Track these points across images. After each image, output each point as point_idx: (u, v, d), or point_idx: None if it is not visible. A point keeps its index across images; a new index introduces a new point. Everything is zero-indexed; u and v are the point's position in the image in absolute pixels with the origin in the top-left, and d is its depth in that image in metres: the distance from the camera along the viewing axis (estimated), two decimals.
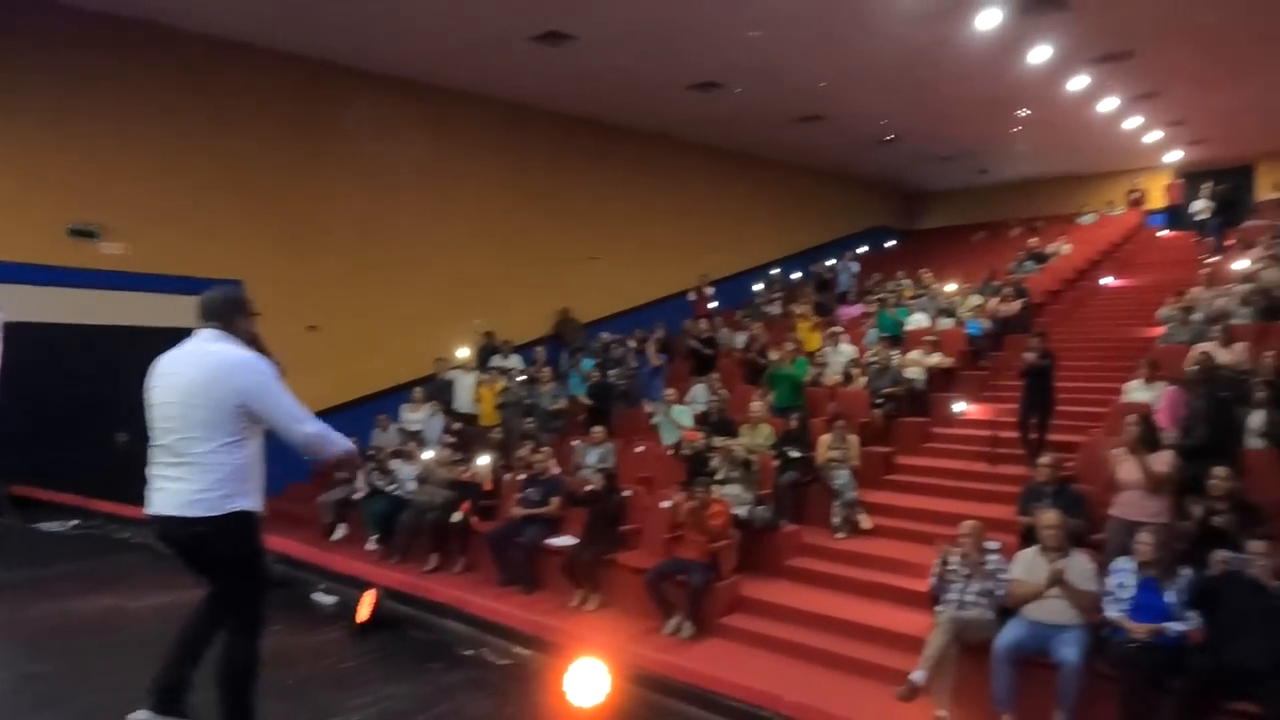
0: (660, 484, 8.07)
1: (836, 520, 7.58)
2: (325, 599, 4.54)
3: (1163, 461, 5.43)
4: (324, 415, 9.61)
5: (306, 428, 2.75)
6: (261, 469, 2.81)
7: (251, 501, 2.72)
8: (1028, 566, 5.06)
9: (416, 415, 10.23)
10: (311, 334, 10.65)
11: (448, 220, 12.08)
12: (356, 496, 9.13)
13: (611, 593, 6.97)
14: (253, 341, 2.91)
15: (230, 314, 2.83)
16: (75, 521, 6.89)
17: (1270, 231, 13.00)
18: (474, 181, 12.43)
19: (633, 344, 12.11)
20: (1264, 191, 18.22)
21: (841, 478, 7.69)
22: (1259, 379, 6.93)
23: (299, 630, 4.07)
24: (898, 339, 11.00)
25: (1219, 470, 5.32)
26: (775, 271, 16.97)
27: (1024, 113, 14.55)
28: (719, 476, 7.48)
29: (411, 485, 8.85)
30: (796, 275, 17.45)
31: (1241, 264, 11.52)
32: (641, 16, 9.73)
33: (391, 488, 9.02)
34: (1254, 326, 9.06)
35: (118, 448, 8.54)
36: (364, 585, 4.41)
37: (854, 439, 8.09)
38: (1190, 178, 17.89)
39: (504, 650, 3.74)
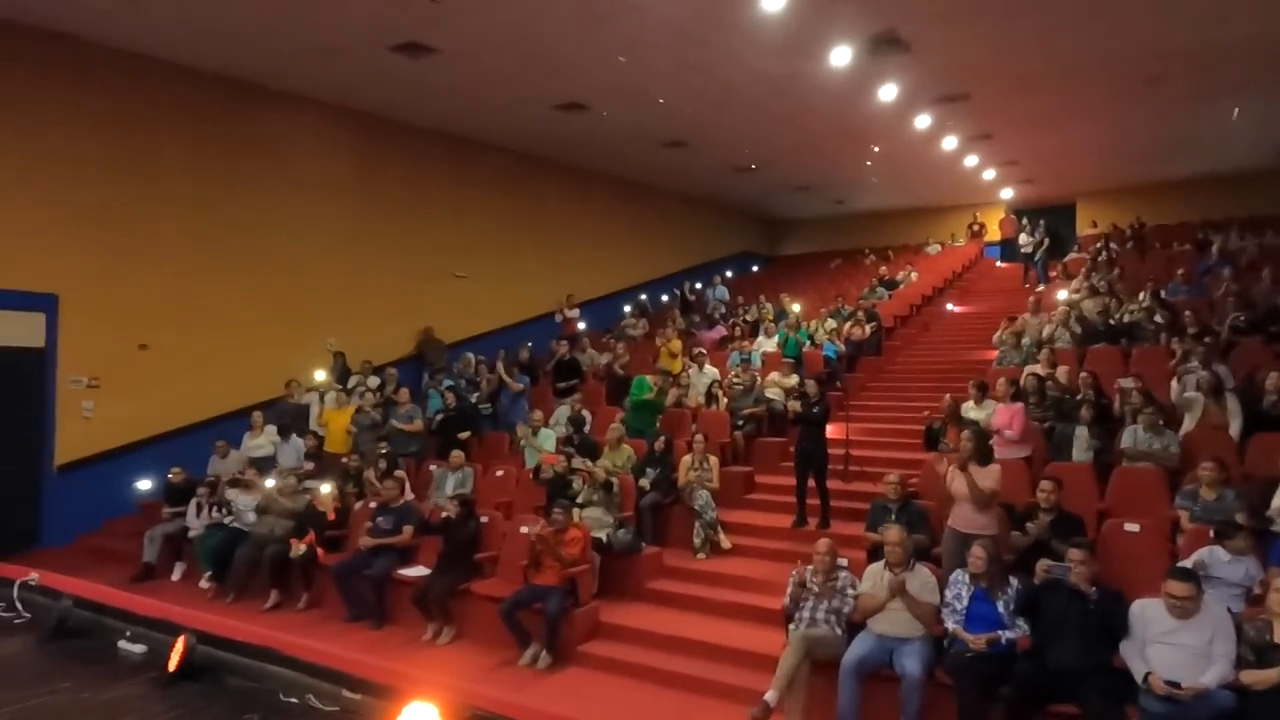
0: (521, 509, 7.86)
1: (697, 541, 7.60)
2: (132, 648, 4.05)
3: (991, 477, 5.72)
4: (155, 442, 8.94)
5: None
6: None
7: None
8: (874, 581, 5.21)
9: (258, 441, 9.55)
10: (143, 353, 9.80)
11: (295, 232, 11.37)
12: (192, 531, 8.41)
13: (466, 624, 6.68)
14: None
15: None
16: None
17: (1088, 265, 14.28)
18: (326, 193, 11.81)
19: (497, 365, 11.83)
20: (1083, 227, 20.07)
21: (702, 498, 7.73)
22: (1082, 398, 7.50)
23: (95, 686, 3.59)
24: (799, 360, 11.01)
25: (1045, 484, 5.69)
26: (643, 296, 17.11)
27: (875, 148, 15.38)
28: (580, 499, 7.36)
29: (250, 516, 8.23)
30: (663, 298, 17.69)
31: (1063, 294, 12.56)
32: (507, 33, 9.60)
33: (229, 519, 8.36)
34: (1074, 350, 9.85)
35: None
36: (178, 629, 3.98)
37: (714, 459, 8.16)
38: (1020, 213, 19.47)
39: (332, 695, 3.43)
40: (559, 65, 10.70)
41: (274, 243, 11.11)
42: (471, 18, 9.14)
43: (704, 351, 11.47)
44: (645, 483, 7.90)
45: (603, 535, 7.01)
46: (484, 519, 7.27)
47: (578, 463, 7.81)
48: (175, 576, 8.45)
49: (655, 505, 7.82)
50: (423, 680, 3.39)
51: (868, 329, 12.32)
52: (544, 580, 6.28)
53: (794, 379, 10.52)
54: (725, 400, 9.93)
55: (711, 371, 10.70)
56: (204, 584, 8.03)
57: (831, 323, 12.87)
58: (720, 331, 14.04)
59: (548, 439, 8.99)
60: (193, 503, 8.53)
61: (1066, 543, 4.94)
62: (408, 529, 7.34)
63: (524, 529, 6.91)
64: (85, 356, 9.35)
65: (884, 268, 17.55)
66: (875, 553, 5.72)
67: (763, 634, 5.94)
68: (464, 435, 9.63)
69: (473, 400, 10.57)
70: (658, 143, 14.68)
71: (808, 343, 12.15)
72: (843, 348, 11.94)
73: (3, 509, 8.71)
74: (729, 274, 19.70)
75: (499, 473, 8.60)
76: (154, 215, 9.98)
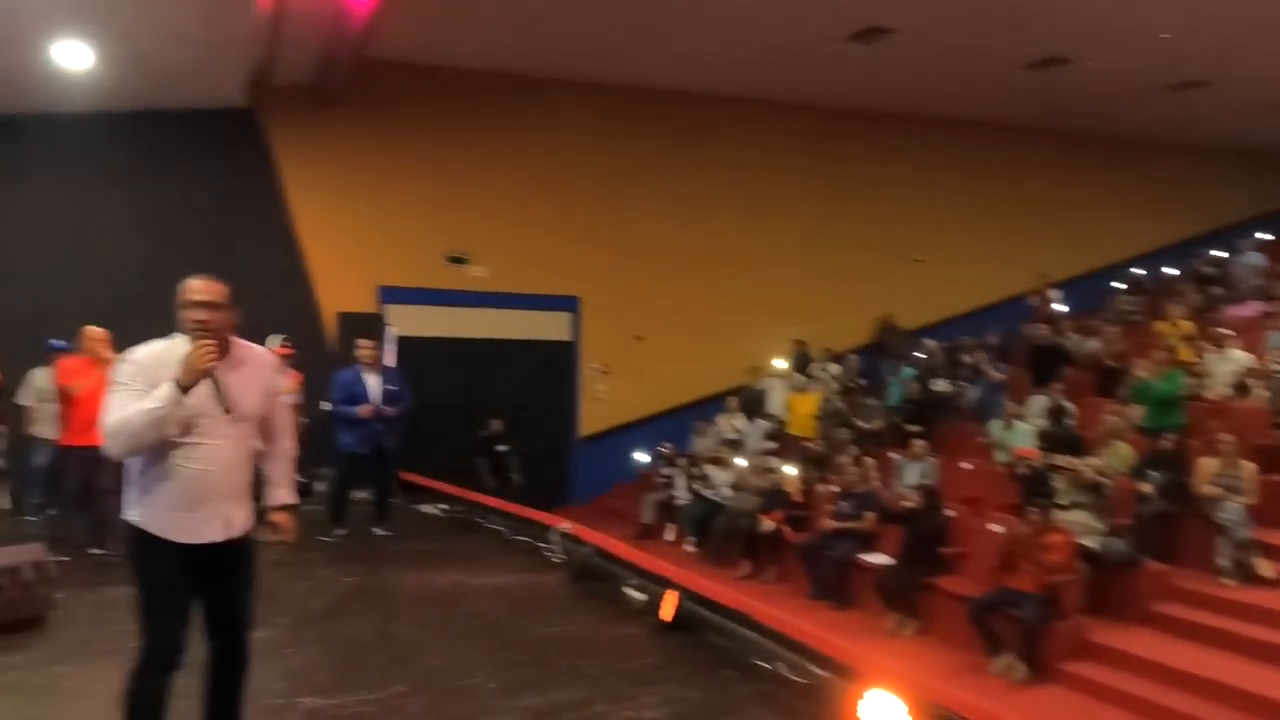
0: (990, 505, 7.33)
1: (1224, 563, 6.25)
2: (634, 594, 4.74)
3: None
4: (650, 421, 10.42)
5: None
6: (160, 484, 2.47)
7: (137, 514, 2.50)
8: None
9: (732, 423, 10.42)
10: (638, 344, 11.44)
11: (760, 230, 12.20)
12: (678, 500, 9.55)
13: (930, 620, 6.44)
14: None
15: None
16: (444, 506, 8.09)
17: None
18: (785, 189, 12.43)
19: (966, 355, 11.15)
20: None
21: (1231, 512, 6.33)
22: None
23: (606, 622, 4.30)
24: None
25: None
26: (1138, 270, 14.56)
27: None
28: (1062, 501, 6.58)
29: (726, 491, 9.02)
30: (1167, 272, 14.80)
31: None
32: None
33: (708, 493, 9.28)
34: None
35: (489, 440, 10.00)
36: (671, 585, 4.54)
37: (1248, 465, 6.62)
38: None
39: (800, 668, 3.59)
40: (1029, 18, 9.63)
41: (740, 242, 12.09)
42: None
43: (1230, 333, 9.36)
44: (1148, 487, 6.75)
45: (1091, 543, 6.17)
46: (950, 513, 6.94)
47: (1059, 459, 7.00)
48: (667, 537, 9.66)
49: (1162, 515, 6.63)
50: (889, 670, 3.35)
51: None
52: (1019, 584, 5.75)
53: None
54: (1263, 392, 7.99)
55: (1242, 357, 8.70)
56: (687, 547, 9.05)
57: None
58: (1255, 307, 11.30)
59: (1023, 432, 8.22)
60: (677, 475, 9.67)
61: None
62: (870, 515, 7.35)
63: (996, 527, 6.43)
64: (599, 347, 11.30)
65: None
66: None
67: None
68: (922, 426, 9.29)
69: (938, 388, 10.15)
70: (1162, 86, 12.32)
71: None
72: None
73: (546, 470, 10.92)
74: (1264, 236, 15.68)
75: (966, 465, 8.13)
76: (644, 227, 11.67)
